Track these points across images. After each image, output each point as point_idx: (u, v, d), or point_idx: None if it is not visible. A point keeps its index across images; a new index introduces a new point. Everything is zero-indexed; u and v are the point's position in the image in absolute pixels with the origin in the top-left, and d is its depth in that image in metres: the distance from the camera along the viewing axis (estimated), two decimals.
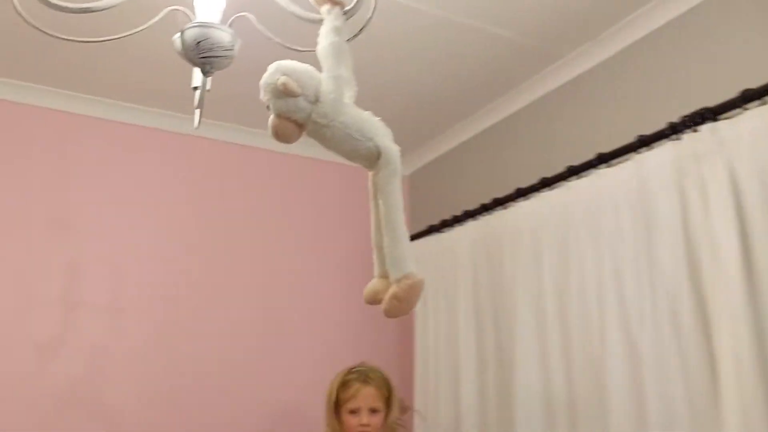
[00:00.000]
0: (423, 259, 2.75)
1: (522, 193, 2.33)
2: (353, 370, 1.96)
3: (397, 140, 3.04)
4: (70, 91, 2.43)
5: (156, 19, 1.01)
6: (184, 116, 2.56)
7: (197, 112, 1.13)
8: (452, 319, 2.52)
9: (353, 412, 1.88)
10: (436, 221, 2.73)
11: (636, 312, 1.82)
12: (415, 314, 2.73)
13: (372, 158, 1.02)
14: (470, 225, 2.55)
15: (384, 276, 1.00)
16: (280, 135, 0.99)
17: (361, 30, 1.09)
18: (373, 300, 1.02)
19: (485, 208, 2.49)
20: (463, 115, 2.75)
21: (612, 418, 1.83)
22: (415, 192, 3.13)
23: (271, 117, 0.99)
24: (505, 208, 2.40)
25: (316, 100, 0.97)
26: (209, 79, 1.12)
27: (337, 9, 1.02)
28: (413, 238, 2.84)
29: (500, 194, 2.43)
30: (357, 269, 2.88)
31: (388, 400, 1.93)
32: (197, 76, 1.07)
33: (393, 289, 0.97)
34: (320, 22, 1.02)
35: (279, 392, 2.58)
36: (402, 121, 2.75)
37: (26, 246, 2.27)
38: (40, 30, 1.00)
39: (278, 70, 0.97)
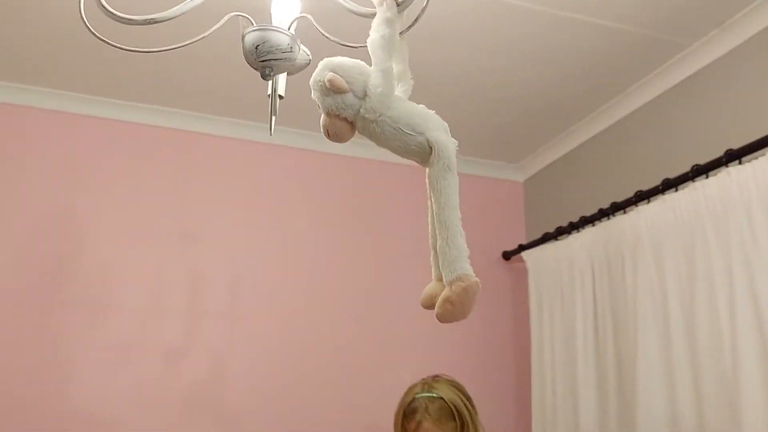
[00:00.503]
0: (538, 268, 2.64)
1: (643, 196, 2.16)
2: (418, 396, 1.71)
3: (511, 146, 2.97)
4: (192, 111, 2.59)
5: (218, 24, 1.03)
6: (296, 130, 2.65)
7: (272, 119, 1.14)
8: (569, 333, 2.38)
9: None
10: (552, 229, 2.60)
11: None
12: (530, 326, 2.61)
13: (424, 154, 0.95)
14: (587, 231, 2.40)
15: (441, 279, 0.94)
16: (331, 134, 0.96)
17: (415, 21, 1.04)
18: (429, 304, 0.95)
19: (603, 214, 2.33)
20: (579, 117, 2.60)
21: None
22: (529, 199, 3.01)
23: (322, 116, 0.97)
24: (625, 212, 2.24)
25: (364, 96, 0.94)
26: (282, 85, 1.13)
27: (389, 0, 0.97)
28: (527, 246, 2.74)
29: (619, 198, 2.27)
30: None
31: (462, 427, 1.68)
32: (270, 84, 1.09)
33: (445, 293, 0.90)
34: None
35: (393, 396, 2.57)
36: (515, 126, 2.68)
37: (154, 259, 2.45)
38: (125, 49, 1.05)
39: (326, 67, 0.95)
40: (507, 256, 2.86)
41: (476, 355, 2.75)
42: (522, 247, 2.77)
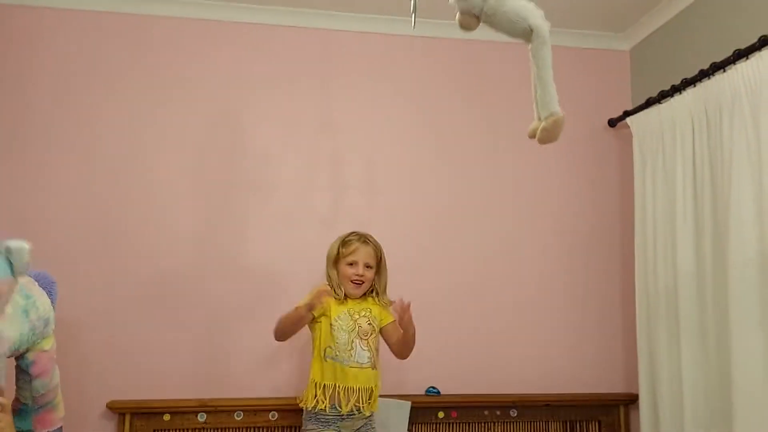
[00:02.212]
0: (642, 131, 2.83)
1: (741, 55, 2.27)
2: (354, 233, 2.40)
3: (616, 16, 3.10)
4: (330, 10, 2.95)
5: None
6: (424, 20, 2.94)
7: (413, 16, 1.48)
8: (670, 185, 2.60)
9: (351, 264, 2.32)
10: (655, 94, 2.76)
11: None
12: (634, 184, 2.85)
13: (527, 34, 1.34)
14: (689, 93, 2.55)
15: (539, 118, 1.36)
16: (464, 26, 1.36)
17: None
18: (533, 135, 1.38)
19: (704, 74, 2.47)
20: None
21: None
22: (635, 67, 3.13)
23: (457, 14, 1.34)
24: (725, 71, 2.37)
25: None
26: None
27: None
28: (632, 112, 2.92)
29: (720, 59, 2.39)
30: (580, 146, 3.08)
31: (379, 263, 2.40)
32: None
33: (542, 125, 1.34)
34: None
35: (514, 254, 2.98)
36: None
37: (304, 145, 2.92)
38: None
39: None
40: (612, 123, 3.06)
41: (587, 216, 3.07)
42: (627, 114, 2.95)
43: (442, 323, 2.90)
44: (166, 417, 2.60)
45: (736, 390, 2.19)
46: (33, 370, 1.72)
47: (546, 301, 3.01)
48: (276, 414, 2.69)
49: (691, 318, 2.48)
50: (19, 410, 1.79)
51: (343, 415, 2.25)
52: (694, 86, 2.53)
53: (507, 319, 2.96)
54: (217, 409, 2.65)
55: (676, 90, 2.63)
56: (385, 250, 2.84)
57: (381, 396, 2.55)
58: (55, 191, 2.70)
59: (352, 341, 2.26)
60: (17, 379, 1.78)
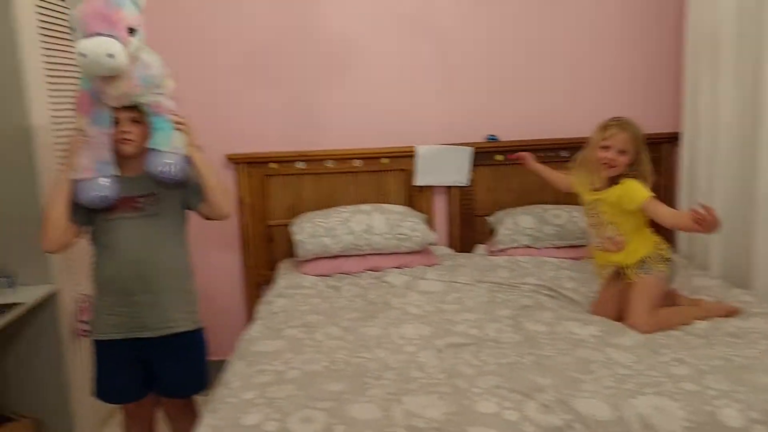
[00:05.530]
0: None
1: None
2: (613, 121, 2.29)
3: None
4: None
5: None
6: None
7: None
8: None
9: (604, 147, 2.26)
10: None
11: None
12: None
13: None
14: None
15: None
16: None
17: None
18: None
19: None
20: None
21: None
22: None
23: None
24: None
25: None
26: None
27: None
28: None
29: None
30: None
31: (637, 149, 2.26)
32: None
33: None
34: None
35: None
36: None
37: None
38: None
39: None
40: None
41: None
42: None
43: (502, 77, 3.23)
44: (273, 165, 3.22)
45: (764, 123, 2.46)
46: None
47: (599, 48, 3.22)
48: (361, 162, 3.24)
49: (730, 60, 2.66)
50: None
51: None
52: None
53: (560, 68, 3.24)
54: (312, 158, 3.22)
55: None
56: (446, 18, 3.11)
57: (449, 144, 3.14)
58: None
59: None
60: None
